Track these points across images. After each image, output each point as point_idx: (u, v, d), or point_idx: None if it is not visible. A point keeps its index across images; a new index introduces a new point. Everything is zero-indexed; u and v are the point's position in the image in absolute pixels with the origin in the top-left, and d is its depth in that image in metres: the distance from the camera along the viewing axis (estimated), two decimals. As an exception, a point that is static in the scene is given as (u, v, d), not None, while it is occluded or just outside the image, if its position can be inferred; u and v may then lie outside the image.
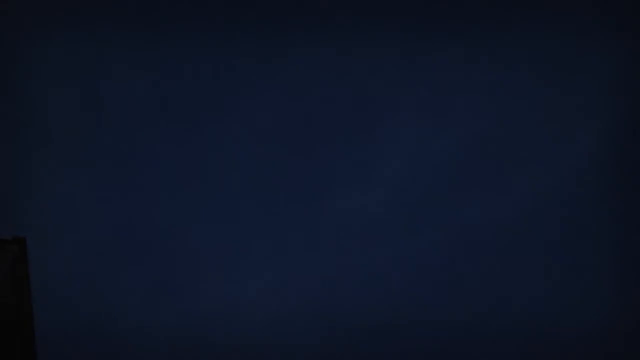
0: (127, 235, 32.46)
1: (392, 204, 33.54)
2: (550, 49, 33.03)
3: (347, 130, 33.51)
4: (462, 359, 32.07)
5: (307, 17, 32.47)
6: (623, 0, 32.28)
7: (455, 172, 33.39)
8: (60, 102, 32.59)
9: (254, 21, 32.62)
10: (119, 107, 32.92)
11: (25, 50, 32.43)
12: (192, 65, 32.82)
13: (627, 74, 32.55)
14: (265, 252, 33.10)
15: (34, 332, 16.80)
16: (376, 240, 33.55)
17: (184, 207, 32.84)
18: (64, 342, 30.43)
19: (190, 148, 33.00)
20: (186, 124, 33.04)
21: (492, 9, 32.46)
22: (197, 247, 32.88)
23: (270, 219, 33.36)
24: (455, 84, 33.06)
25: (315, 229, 33.39)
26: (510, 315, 32.04)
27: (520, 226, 33.12)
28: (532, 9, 32.62)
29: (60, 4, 32.34)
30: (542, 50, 32.99)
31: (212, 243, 33.06)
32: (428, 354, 32.09)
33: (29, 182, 32.14)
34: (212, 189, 33.02)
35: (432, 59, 32.60)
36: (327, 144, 33.73)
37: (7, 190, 31.64)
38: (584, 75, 32.79)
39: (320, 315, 32.53)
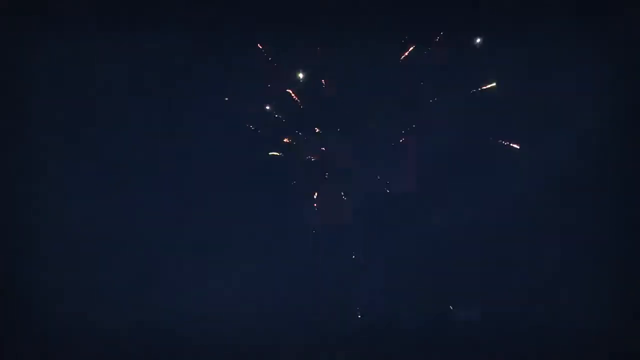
0: (109, 231, 32.66)
1: (377, 202, 33.69)
2: (549, 49, 33.07)
3: (334, 128, 33.66)
4: None
5: (299, 15, 32.68)
6: (623, 1, 32.28)
7: (449, 171, 33.48)
8: (54, 100, 32.86)
9: (252, 20, 32.84)
10: (108, 103, 33.19)
11: (25, 50, 32.69)
12: (185, 64, 33.08)
13: (627, 74, 32.54)
14: (247, 251, 33.24)
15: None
16: (362, 238, 33.69)
17: (168, 204, 33.02)
18: (47, 338, 30.76)
19: (176, 144, 33.22)
20: (170, 120, 33.28)
21: (491, 8, 32.54)
22: (180, 244, 33.03)
23: (253, 217, 33.55)
24: (451, 83, 33.13)
25: (298, 227, 33.56)
26: (506, 315, 32.08)
27: (516, 225, 33.16)
28: (531, 8, 32.68)
29: (60, 4, 32.57)
30: (541, 50, 33.04)
31: (196, 241, 33.23)
32: (418, 356, 32.17)
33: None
34: (198, 186, 33.21)
35: (428, 56, 32.69)
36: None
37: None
38: (582, 75, 32.80)
39: (304, 314, 32.65)
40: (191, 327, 31.84)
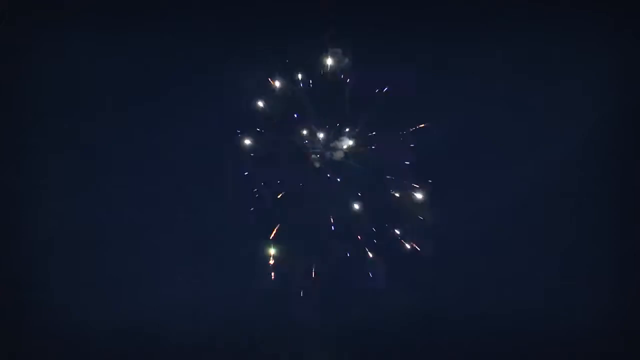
0: (79, 229, 32.68)
1: (376, 202, 33.79)
2: (549, 49, 33.13)
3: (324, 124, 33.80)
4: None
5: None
6: (623, 0, 32.34)
7: (447, 168, 33.52)
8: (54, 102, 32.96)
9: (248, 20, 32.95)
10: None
11: (25, 50, 32.75)
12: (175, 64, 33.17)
13: (627, 74, 32.58)
14: (221, 252, 33.29)
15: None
16: (360, 238, 33.76)
17: (139, 202, 33.02)
18: (14, 335, 30.85)
19: (147, 143, 33.22)
20: (158, 123, 33.31)
21: (492, 7, 32.59)
22: (150, 243, 33.01)
23: (228, 216, 33.58)
24: (450, 82, 33.19)
25: (290, 228, 33.65)
26: (503, 316, 32.09)
27: (514, 225, 33.20)
28: (531, 8, 32.74)
29: (60, 4, 32.66)
30: (540, 50, 33.09)
31: (164, 240, 33.24)
32: (417, 355, 32.20)
33: None
34: (167, 185, 33.25)
35: (430, 53, 32.78)
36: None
37: None
38: (583, 75, 32.86)
39: (282, 315, 32.69)
40: (180, 326, 31.93)
